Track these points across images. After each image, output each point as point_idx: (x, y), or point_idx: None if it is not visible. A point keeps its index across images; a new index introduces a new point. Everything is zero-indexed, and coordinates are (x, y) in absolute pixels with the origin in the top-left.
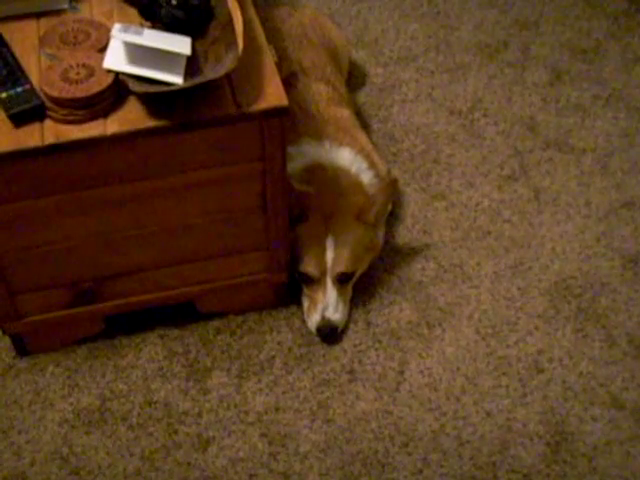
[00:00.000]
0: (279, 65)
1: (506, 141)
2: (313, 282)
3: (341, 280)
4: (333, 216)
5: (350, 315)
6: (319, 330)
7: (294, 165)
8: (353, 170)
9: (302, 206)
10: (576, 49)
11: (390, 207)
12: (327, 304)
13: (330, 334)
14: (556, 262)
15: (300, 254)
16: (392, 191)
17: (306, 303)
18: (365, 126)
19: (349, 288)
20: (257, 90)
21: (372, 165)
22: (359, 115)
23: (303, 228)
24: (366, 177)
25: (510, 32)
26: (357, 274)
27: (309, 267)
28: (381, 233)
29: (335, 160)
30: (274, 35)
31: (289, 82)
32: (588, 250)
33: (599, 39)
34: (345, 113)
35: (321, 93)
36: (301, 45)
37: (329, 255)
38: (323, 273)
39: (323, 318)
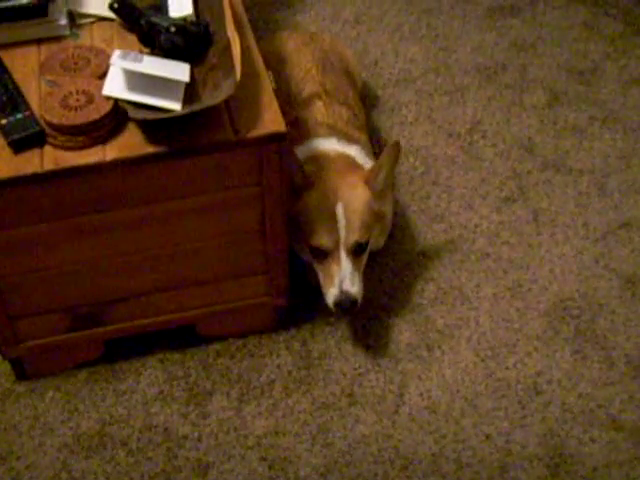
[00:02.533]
0: (277, 91)
1: (504, 163)
2: (326, 255)
3: (356, 251)
4: (340, 186)
5: (349, 338)
6: (338, 304)
7: (301, 155)
8: (359, 160)
9: (307, 175)
10: (573, 71)
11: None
12: (344, 276)
13: (350, 308)
14: (554, 283)
15: (310, 226)
16: (397, 154)
17: (321, 279)
18: None
19: (363, 259)
20: (255, 116)
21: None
22: None
23: (311, 197)
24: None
25: (508, 54)
26: (370, 245)
27: (322, 239)
28: (389, 203)
29: (342, 150)
30: (297, 57)
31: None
32: (586, 271)
33: (596, 61)
34: (363, 138)
35: (342, 114)
36: (324, 68)
37: (341, 224)
38: (336, 244)
39: (342, 291)
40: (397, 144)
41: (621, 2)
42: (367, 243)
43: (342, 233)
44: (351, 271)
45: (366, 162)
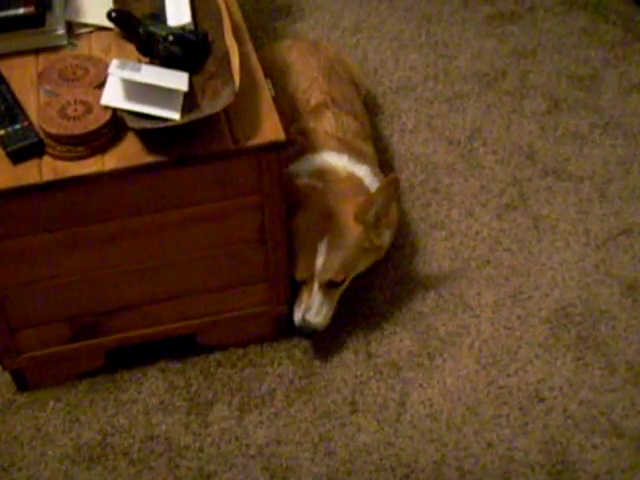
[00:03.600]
0: (276, 99)
1: (505, 170)
2: (304, 281)
3: (329, 285)
4: (332, 216)
5: (351, 346)
6: (299, 328)
7: (310, 166)
8: (366, 183)
9: (302, 196)
10: (573, 77)
11: (396, 216)
12: (309, 307)
13: (309, 335)
14: (555, 290)
15: (294, 251)
16: (393, 189)
17: (296, 297)
18: None
19: (339, 291)
20: (254, 125)
21: None
22: None
23: (300, 221)
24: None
25: (508, 61)
26: (349, 278)
27: (297, 270)
28: (388, 233)
29: (352, 169)
30: (303, 65)
31: (318, 110)
32: (587, 278)
33: (596, 67)
34: (370, 150)
35: (350, 125)
36: (330, 78)
37: (319, 260)
38: (311, 276)
39: (304, 319)
40: (395, 180)
41: (621, 8)
42: (344, 280)
43: (318, 268)
44: (320, 303)
45: (373, 183)
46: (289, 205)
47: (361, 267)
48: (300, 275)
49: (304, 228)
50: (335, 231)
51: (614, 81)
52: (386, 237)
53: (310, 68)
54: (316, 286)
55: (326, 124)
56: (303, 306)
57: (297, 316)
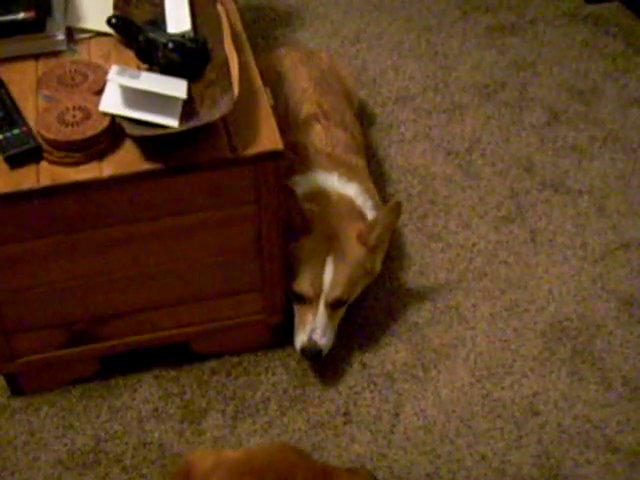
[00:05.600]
0: (275, 108)
1: (503, 182)
2: (306, 301)
3: (334, 305)
4: (335, 237)
5: (345, 357)
6: (303, 351)
7: (301, 189)
8: (358, 202)
9: (306, 220)
10: (573, 90)
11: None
12: (316, 327)
13: (314, 357)
14: (552, 304)
15: (297, 271)
16: (395, 215)
17: (296, 320)
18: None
19: (340, 313)
20: (252, 133)
21: (378, 206)
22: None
23: (304, 243)
24: (370, 213)
25: (508, 73)
26: (350, 300)
27: (304, 286)
28: (379, 259)
29: (342, 190)
30: (294, 75)
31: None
32: (584, 292)
33: (596, 80)
34: (360, 162)
35: (339, 138)
36: (321, 88)
37: (327, 277)
38: (317, 294)
39: (310, 340)
40: (398, 206)
41: (621, 21)
42: (348, 299)
43: (326, 286)
44: (325, 323)
45: (365, 203)
46: (290, 228)
47: (359, 289)
48: (307, 291)
49: (308, 249)
50: (339, 251)
51: (614, 94)
52: (378, 262)
53: (301, 78)
54: (322, 305)
55: (315, 139)
56: (309, 327)
57: (302, 338)
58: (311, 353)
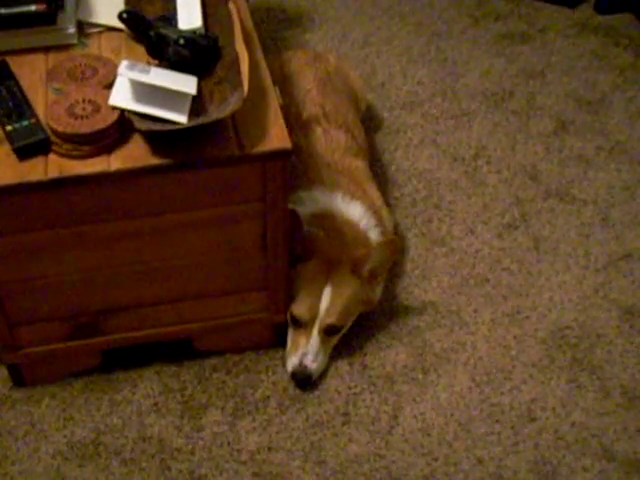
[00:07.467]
0: (283, 107)
1: (508, 189)
2: (301, 325)
3: (328, 332)
4: (335, 265)
5: (346, 357)
6: (294, 374)
7: (304, 209)
8: (362, 225)
9: (307, 245)
10: (581, 100)
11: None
12: (308, 351)
13: (304, 381)
14: (553, 312)
15: (296, 295)
16: (392, 250)
17: (289, 343)
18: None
19: (334, 340)
20: (261, 131)
21: (380, 222)
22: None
23: (304, 268)
24: (373, 234)
25: (516, 81)
26: (345, 328)
27: (300, 310)
28: (379, 289)
29: (345, 212)
30: (299, 76)
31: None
32: (586, 301)
33: (605, 91)
34: (360, 165)
35: (339, 141)
36: (325, 90)
37: (323, 303)
38: (312, 319)
39: (300, 364)
40: (393, 242)
41: (632, 33)
42: (342, 327)
43: (321, 312)
44: (317, 348)
45: (369, 223)
46: (294, 253)
47: (354, 317)
48: (303, 315)
49: (308, 274)
50: (338, 280)
51: (622, 105)
52: (377, 292)
53: (306, 80)
54: (316, 331)
55: (315, 142)
56: (301, 350)
57: (293, 361)
58: (301, 377)
